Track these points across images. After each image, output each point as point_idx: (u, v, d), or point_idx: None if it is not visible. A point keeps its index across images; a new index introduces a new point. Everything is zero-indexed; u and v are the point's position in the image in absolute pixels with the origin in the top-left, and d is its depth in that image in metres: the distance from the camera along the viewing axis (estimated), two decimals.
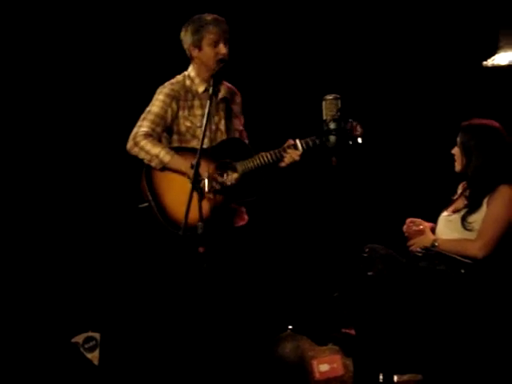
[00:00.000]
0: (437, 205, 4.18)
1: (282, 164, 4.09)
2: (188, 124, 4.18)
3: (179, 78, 4.25)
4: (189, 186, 3.97)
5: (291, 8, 5.30)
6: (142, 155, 4.07)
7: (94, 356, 4.88)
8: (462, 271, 3.87)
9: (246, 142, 4.27)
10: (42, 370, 4.57)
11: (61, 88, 5.23)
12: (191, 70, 4.25)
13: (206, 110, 3.86)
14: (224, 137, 4.21)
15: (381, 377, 3.86)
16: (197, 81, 4.22)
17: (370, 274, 3.90)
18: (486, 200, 3.93)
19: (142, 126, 4.11)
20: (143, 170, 4.08)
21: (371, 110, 5.10)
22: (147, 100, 4.21)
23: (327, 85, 4.30)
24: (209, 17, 4.16)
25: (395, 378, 3.99)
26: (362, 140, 3.99)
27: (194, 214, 3.69)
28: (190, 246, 3.76)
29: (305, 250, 5.37)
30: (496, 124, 4.03)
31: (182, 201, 3.90)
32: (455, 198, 4.12)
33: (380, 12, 5.27)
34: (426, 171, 5.19)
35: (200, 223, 3.65)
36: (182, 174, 4.03)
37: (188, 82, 4.23)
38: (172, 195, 4.04)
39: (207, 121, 3.84)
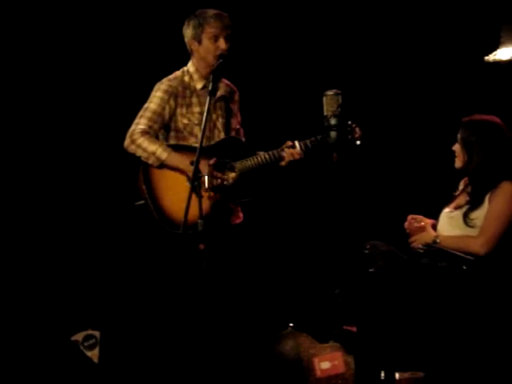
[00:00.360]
0: (438, 201, 4.16)
1: (282, 163, 4.07)
2: (185, 121, 4.16)
3: (178, 73, 4.23)
4: (186, 184, 3.98)
5: (291, 4, 5.29)
6: (139, 153, 4.06)
7: (93, 354, 4.88)
8: (464, 268, 3.86)
9: (243, 139, 4.25)
10: (42, 368, 4.55)
11: (57, 85, 5.21)
12: (190, 66, 4.23)
13: (206, 108, 3.84)
14: (222, 135, 4.20)
15: (382, 374, 3.84)
16: (195, 77, 4.20)
17: (371, 270, 3.89)
18: (487, 196, 3.91)
19: (139, 124, 4.10)
20: (140, 168, 4.07)
21: (372, 106, 5.10)
22: (144, 96, 4.19)
23: (328, 80, 4.29)
24: (211, 11, 4.15)
25: (397, 376, 3.98)
26: (361, 142, 3.99)
27: (192, 212, 3.67)
28: (188, 243, 3.76)
29: (306, 247, 5.36)
30: (497, 120, 4.01)
31: (178, 199, 3.91)
32: (457, 194, 4.10)
33: (381, 7, 5.26)
34: (427, 167, 5.18)
35: (200, 220, 3.64)
36: (180, 171, 4.02)
37: (186, 78, 4.20)
38: (169, 193, 4.03)
39: (206, 119, 3.82)
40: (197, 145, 3.97)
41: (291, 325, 4.66)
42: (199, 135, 4.07)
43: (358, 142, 4.00)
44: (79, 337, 4.90)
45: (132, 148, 4.08)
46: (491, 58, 4.76)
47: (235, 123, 4.30)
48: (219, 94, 4.19)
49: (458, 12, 5.13)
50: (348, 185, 5.19)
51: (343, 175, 4.93)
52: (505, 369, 3.77)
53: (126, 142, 4.10)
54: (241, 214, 4.24)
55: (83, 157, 5.22)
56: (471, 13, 5.09)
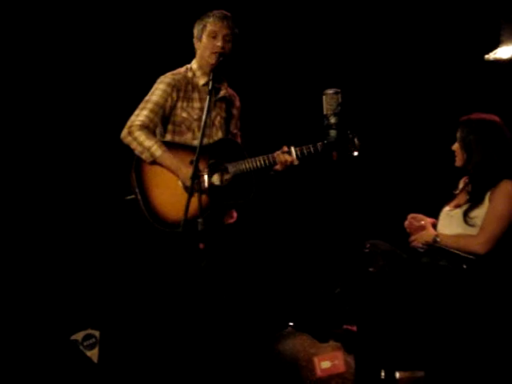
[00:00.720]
0: (438, 200, 4.16)
1: (277, 167, 4.07)
2: (185, 115, 4.16)
3: (181, 69, 4.25)
4: (177, 183, 3.99)
5: (289, 3, 5.28)
6: (133, 146, 4.06)
7: (93, 353, 4.87)
8: (464, 267, 3.86)
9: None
10: (41, 367, 4.55)
11: (52, 79, 5.19)
12: (194, 63, 4.25)
13: (206, 104, 3.84)
14: (219, 133, 4.20)
15: (382, 373, 3.84)
16: (198, 73, 4.21)
17: (371, 269, 3.89)
18: (487, 195, 3.91)
19: (140, 115, 4.10)
20: (133, 162, 4.06)
21: (372, 104, 5.09)
22: (141, 91, 4.19)
23: (327, 79, 4.28)
24: (216, 12, 4.18)
25: (397, 375, 3.97)
26: (358, 153, 3.98)
27: (182, 211, 3.67)
28: (181, 241, 3.76)
29: (306, 246, 5.35)
30: (496, 118, 4.00)
31: (168, 196, 3.94)
32: (457, 193, 4.10)
33: (380, 5, 5.25)
34: (427, 166, 5.18)
35: (200, 219, 3.64)
36: (172, 172, 4.02)
37: (190, 74, 4.22)
38: (159, 190, 4.03)
39: (207, 115, 3.82)
40: (193, 142, 4.06)
41: (291, 324, 4.65)
42: (196, 131, 4.09)
43: (356, 153, 4.00)
44: (79, 336, 4.89)
45: (128, 139, 4.07)
46: (491, 56, 4.75)
47: (233, 127, 4.31)
48: (221, 94, 4.21)
49: (458, 11, 5.12)
50: (348, 184, 5.19)
51: (343, 174, 4.93)
52: (505, 368, 3.76)
53: (124, 133, 4.09)
54: (234, 214, 4.24)
55: (76, 151, 5.20)
56: (471, 11, 5.08)
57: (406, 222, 4.11)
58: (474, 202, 3.93)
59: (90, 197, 5.21)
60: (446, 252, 3.91)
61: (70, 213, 5.20)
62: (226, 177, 4.07)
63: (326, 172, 4.91)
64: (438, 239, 3.95)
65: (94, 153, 5.16)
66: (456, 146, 4.03)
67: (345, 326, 4.45)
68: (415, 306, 3.79)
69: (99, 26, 5.19)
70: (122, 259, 5.15)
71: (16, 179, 5.13)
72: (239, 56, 4.30)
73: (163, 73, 4.23)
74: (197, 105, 4.18)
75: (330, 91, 3.83)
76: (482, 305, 3.78)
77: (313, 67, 5.29)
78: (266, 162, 4.06)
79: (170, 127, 4.17)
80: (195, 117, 4.16)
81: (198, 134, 3.94)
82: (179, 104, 4.17)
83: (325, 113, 3.82)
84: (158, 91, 4.14)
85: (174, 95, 4.15)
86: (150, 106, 4.11)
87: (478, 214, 3.90)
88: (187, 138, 4.14)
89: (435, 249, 3.95)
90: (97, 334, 4.91)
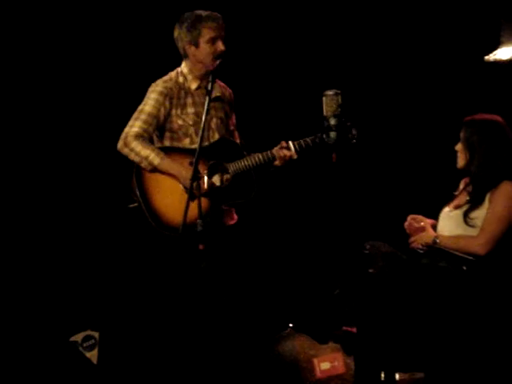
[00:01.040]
0: (438, 201, 4.15)
1: (277, 163, 4.07)
2: (180, 122, 4.16)
3: (172, 74, 4.22)
4: (179, 187, 4.00)
5: (289, 3, 5.28)
6: (131, 156, 4.06)
7: (92, 355, 4.87)
8: (464, 268, 3.85)
9: (238, 141, 4.24)
10: (41, 368, 4.55)
11: (51, 85, 5.19)
12: (184, 67, 4.21)
13: (205, 108, 3.82)
14: (216, 135, 4.19)
15: (382, 375, 3.84)
16: (190, 77, 4.19)
17: (370, 271, 3.89)
18: (488, 196, 3.90)
19: (134, 126, 4.09)
20: (133, 170, 4.06)
21: (372, 106, 5.09)
22: (139, 97, 4.18)
23: (327, 80, 4.27)
24: (204, 13, 4.12)
25: (397, 376, 3.97)
26: (356, 142, 3.98)
27: (187, 214, 3.67)
28: (184, 244, 3.76)
29: (305, 248, 5.35)
30: (499, 119, 4.00)
31: (170, 202, 3.95)
32: (457, 193, 4.09)
33: (380, 6, 5.25)
34: (427, 167, 5.17)
35: (199, 220, 3.64)
36: (172, 176, 4.02)
37: (181, 79, 4.19)
38: (161, 196, 4.04)
39: (206, 119, 3.81)
40: (191, 146, 4.05)
41: (291, 325, 4.65)
42: (194, 136, 4.09)
43: (354, 141, 4.00)
44: (78, 337, 4.89)
45: (125, 151, 4.07)
46: (491, 57, 4.74)
47: (230, 124, 4.30)
48: (213, 94, 4.17)
49: (458, 12, 5.12)
50: (347, 185, 5.18)
51: (343, 175, 4.92)
52: (505, 369, 3.76)
53: (120, 145, 4.09)
54: (235, 216, 4.24)
55: (78, 159, 5.21)
56: (471, 12, 5.08)
57: (406, 223, 4.10)
58: (475, 202, 3.92)
59: (90, 202, 5.21)
60: (445, 253, 3.91)
61: (70, 217, 5.20)
62: (227, 177, 4.07)
63: (326, 173, 4.91)
64: (438, 240, 3.94)
65: (99, 161, 5.16)
66: (459, 147, 4.02)
67: (344, 328, 4.44)
68: (415, 307, 3.79)
69: (97, 33, 5.19)
70: (121, 261, 5.15)
71: (18, 184, 5.14)
72: (239, 57, 4.30)
73: (160, 75, 4.22)
74: (191, 110, 4.17)
75: (330, 92, 3.81)
76: (482, 306, 3.77)
77: (313, 68, 5.28)
78: (265, 158, 4.07)
79: (167, 134, 4.17)
80: (191, 122, 4.15)
81: (196, 139, 3.94)
82: (173, 112, 4.15)
83: (324, 114, 3.80)
84: (151, 101, 4.12)
85: (167, 104, 4.14)
86: (143, 116, 4.10)
87: (479, 214, 3.90)
88: (185, 143, 4.14)
89: (435, 250, 3.94)
90: (96, 335, 4.90)
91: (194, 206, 3.69)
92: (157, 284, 4.22)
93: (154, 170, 4.06)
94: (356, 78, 5.18)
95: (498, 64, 4.76)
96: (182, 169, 3.99)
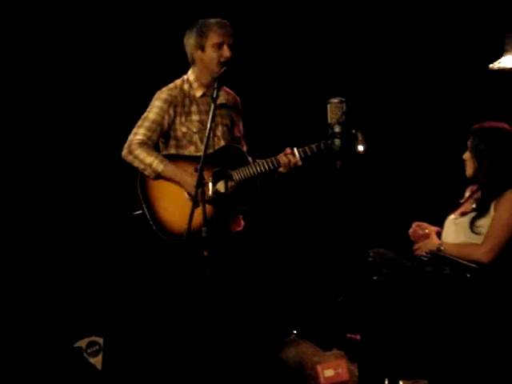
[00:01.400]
0: (443, 209, 4.15)
1: (281, 169, 4.08)
2: (184, 130, 4.17)
3: (177, 82, 4.23)
4: (183, 193, 4.00)
5: (294, 10, 5.29)
6: (136, 164, 4.07)
7: (97, 361, 4.87)
8: (468, 275, 3.85)
9: (245, 149, 4.25)
10: (46, 374, 4.55)
11: (57, 92, 5.20)
12: (190, 74, 4.22)
13: (210, 115, 3.83)
14: (221, 143, 4.20)
15: (386, 382, 3.83)
16: (195, 85, 4.20)
17: (375, 278, 3.88)
18: (493, 204, 3.90)
19: (138, 134, 4.11)
20: (137, 178, 4.08)
21: (377, 114, 5.10)
22: (144, 104, 4.19)
23: (332, 88, 4.29)
24: (214, 20, 4.16)
25: None
26: (364, 149, 3.99)
27: (185, 221, 3.68)
28: (188, 252, 3.77)
29: (310, 255, 5.35)
30: (507, 127, 4.00)
31: (175, 209, 3.96)
32: (462, 201, 4.09)
33: (385, 15, 5.26)
34: (432, 175, 5.17)
35: (204, 227, 3.64)
36: (176, 183, 4.03)
37: (186, 87, 4.20)
38: (165, 203, 4.05)
39: (211, 125, 3.82)
40: (196, 153, 4.05)
41: (295, 332, 4.65)
42: (199, 143, 4.10)
43: (361, 148, 4.00)
44: (83, 343, 4.89)
45: (129, 158, 4.09)
46: (496, 65, 4.75)
47: (236, 132, 4.30)
48: (219, 101, 4.18)
49: (462, 20, 5.13)
50: (352, 192, 5.18)
51: (347, 182, 4.93)
52: (508, 376, 3.75)
53: (124, 152, 4.11)
54: (242, 222, 4.25)
55: (83, 166, 5.22)
56: (476, 21, 5.09)
57: (411, 230, 4.10)
58: (481, 210, 3.92)
59: (95, 209, 5.22)
60: (449, 261, 3.91)
61: (76, 224, 5.21)
62: (231, 184, 4.08)
63: (330, 180, 4.91)
64: (442, 248, 3.94)
65: (103, 169, 5.17)
66: (467, 155, 4.02)
67: (348, 335, 4.44)
68: (419, 314, 3.79)
69: (104, 40, 5.20)
70: (126, 268, 5.15)
71: (24, 190, 5.15)
72: (244, 64, 4.31)
73: (166, 83, 4.24)
74: (195, 117, 4.18)
75: (335, 100, 3.82)
76: (486, 314, 3.77)
77: (318, 76, 5.29)
78: (270, 165, 4.08)
79: (172, 142, 4.18)
80: (195, 130, 4.16)
81: (201, 146, 3.95)
82: (177, 119, 4.17)
83: (329, 122, 3.81)
84: (155, 109, 4.14)
85: (171, 112, 4.15)
86: (147, 124, 4.12)
87: (484, 223, 3.90)
88: (190, 151, 4.15)
89: (439, 257, 3.94)
90: (100, 341, 4.91)
91: (198, 212, 3.69)
92: (161, 290, 4.22)
93: (158, 177, 4.07)
94: (361, 85, 5.18)
95: (503, 72, 4.77)
96: (187, 175, 4.00)
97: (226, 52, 4.10)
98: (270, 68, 5.33)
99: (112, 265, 5.18)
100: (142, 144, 4.08)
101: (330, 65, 5.31)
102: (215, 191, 4.00)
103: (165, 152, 4.17)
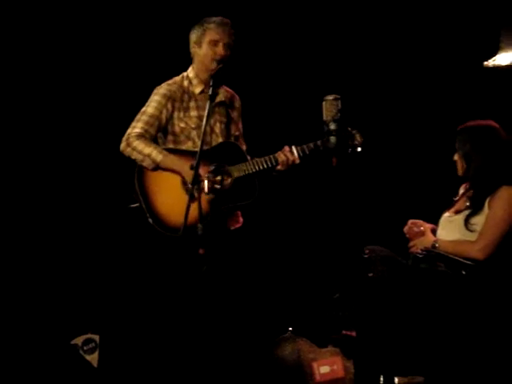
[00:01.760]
0: (438, 206, 4.16)
1: (279, 167, 4.09)
2: (182, 125, 4.18)
3: (177, 78, 4.26)
4: (180, 187, 4.01)
5: (290, 9, 5.29)
6: (134, 155, 4.08)
7: (93, 358, 4.87)
8: (463, 272, 3.86)
9: (244, 148, 4.26)
10: (41, 371, 4.55)
11: (55, 86, 5.20)
12: (190, 71, 4.25)
13: (206, 111, 3.85)
14: (219, 140, 4.21)
15: (381, 379, 3.84)
16: (195, 82, 4.22)
17: (370, 275, 3.89)
18: (487, 201, 3.91)
19: (136, 127, 4.12)
20: (135, 171, 4.08)
21: (372, 111, 5.10)
22: (143, 99, 4.21)
23: (327, 85, 4.29)
24: (215, 18, 4.19)
25: (396, 380, 3.97)
26: (362, 149, 4.00)
27: (182, 215, 3.68)
28: (184, 246, 3.78)
29: (305, 252, 5.36)
30: (492, 123, 3.99)
31: (172, 202, 3.97)
32: (457, 199, 4.10)
33: (381, 12, 5.26)
34: (426, 172, 5.18)
35: (200, 224, 3.65)
36: (175, 174, 4.04)
37: (185, 83, 4.23)
38: (162, 196, 4.05)
39: (207, 122, 3.83)
40: (194, 149, 4.04)
41: (290, 329, 4.66)
42: (196, 139, 4.11)
43: (359, 149, 4.03)
44: (79, 341, 4.89)
45: (127, 151, 4.10)
46: (491, 63, 4.75)
47: (234, 130, 4.31)
48: (218, 99, 4.20)
49: (457, 17, 5.13)
50: (347, 189, 5.19)
51: (343, 180, 4.94)
52: (504, 373, 3.76)
53: (122, 145, 4.12)
54: (240, 219, 4.26)
55: (80, 159, 5.22)
56: (471, 18, 5.09)
57: (406, 228, 4.10)
58: (475, 208, 3.92)
59: (91, 203, 5.22)
60: (445, 258, 3.91)
61: (72, 218, 5.21)
62: (228, 180, 4.08)
63: (326, 178, 4.92)
64: (437, 245, 3.95)
65: (100, 162, 5.17)
66: (456, 156, 4.03)
67: (344, 332, 4.45)
68: (414, 311, 3.79)
69: (103, 36, 5.20)
70: (122, 263, 5.15)
71: (20, 184, 5.14)
72: (239, 62, 4.31)
73: (165, 79, 4.25)
74: (194, 113, 4.19)
75: (330, 97, 3.83)
76: (481, 311, 3.78)
77: (313, 73, 5.30)
78: (268, 162, 4.09)
79: (170, 137, 4.19)
80: (193, 126, 4.17)
81: (198, 143, 3.95)
82: (176, 114, 4.18)
83: (324, 119, 3.82)
84: (153, 103, 4.16)
85: (170, 106, 4.17)
86: (145, 117, 4.14)
87: (479, 220, 3.90)
88: (188, 146, 4.16)
89: (434, 254, 3.95)
90: (97, 338, 4.91)
91: (195, 207, 3.70)
92: (158, 287, 4.23)
93: (156, 169, 4.08)
94: (356, 83, 5.19)
95: (498, 69, 4.78)
96: (186, 164, 3.99)
97: (221, 50, 4.11)
98: (265, 66, 5.33)
99: (109, 261, 5.18)
100: (140, 136, 4.10)
101: (324, 62, 5.31)
102: (212, 187, 4.00)
103: (163, 147, 4.18)
